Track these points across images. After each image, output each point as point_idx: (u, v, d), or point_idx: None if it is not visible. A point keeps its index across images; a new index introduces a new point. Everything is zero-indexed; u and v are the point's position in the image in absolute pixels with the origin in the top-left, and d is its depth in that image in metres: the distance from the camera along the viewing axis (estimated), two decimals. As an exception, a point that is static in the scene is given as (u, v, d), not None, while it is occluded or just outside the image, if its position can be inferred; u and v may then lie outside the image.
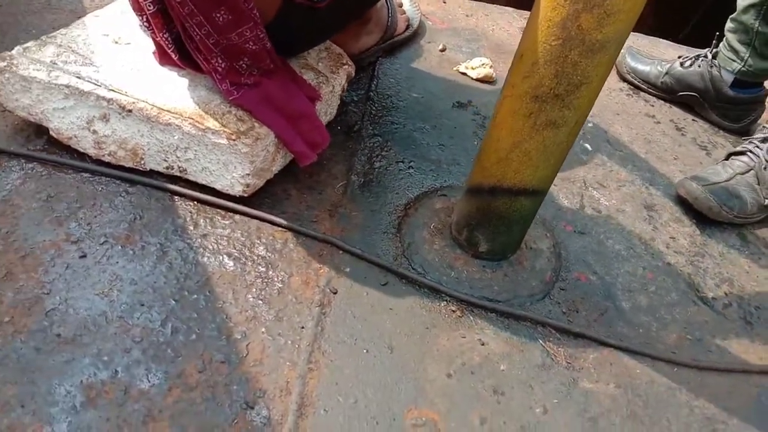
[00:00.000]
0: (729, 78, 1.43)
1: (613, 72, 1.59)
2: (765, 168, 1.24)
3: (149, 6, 0.95)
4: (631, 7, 0.70)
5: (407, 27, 1.49)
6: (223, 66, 0.97)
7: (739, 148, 1.30)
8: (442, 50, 1.52)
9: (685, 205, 1.23)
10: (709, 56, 1.45)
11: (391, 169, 1.19)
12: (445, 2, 1.72)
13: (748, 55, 1.39)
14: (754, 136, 1.30)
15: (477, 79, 1.45)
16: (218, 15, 0.91)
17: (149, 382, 0.81)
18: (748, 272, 1.15)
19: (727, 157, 1.31)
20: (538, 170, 0.88)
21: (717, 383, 0.96)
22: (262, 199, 1.05)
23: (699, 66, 1.46)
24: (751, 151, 1.27)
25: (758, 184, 1.24)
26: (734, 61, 1.41)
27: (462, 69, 1.47)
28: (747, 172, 1.25)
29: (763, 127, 1.31)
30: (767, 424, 0.92)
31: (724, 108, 1.47)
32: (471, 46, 1.57)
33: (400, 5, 1.52)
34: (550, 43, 0.74)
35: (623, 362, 0.96)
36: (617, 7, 0.69)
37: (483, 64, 1.46)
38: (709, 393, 0.95)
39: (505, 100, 0.85)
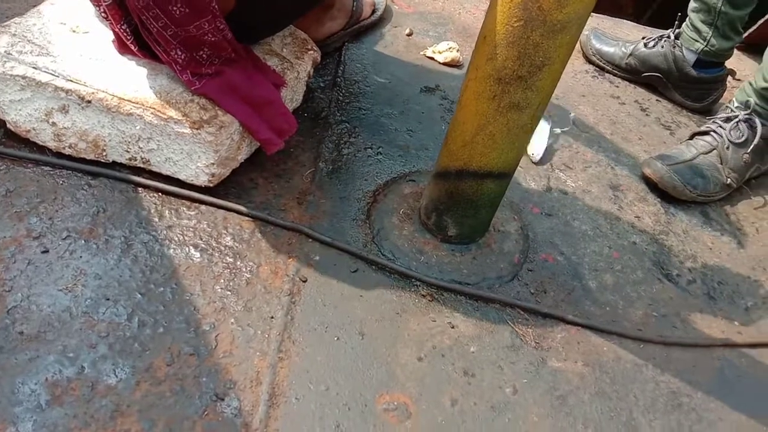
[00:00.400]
0: (692, 58, 1.45)
1: (579, 54, 1.60)
2: (728, 147, 1.27)
3: (100, 8, 0.93)
4: (589, -12, 0.70)
5: (373, 12, 1.48)
6: (183, 57, 0.95)
7: (703, 128, 1.32)
8: (409, 34, 1.52)
9: (650, 184, 1.25)
10: (672, 37, 1.47)
11: (359, 155, 1.18)
12: (410, -14, 1.71)
13: (710, 35, 1.40)
14: (718, 116, 1.32)
15: (444, 63, 1.45)
16: (175, 8, 0.89)
17: (116, 377, 0.79)
18: (711, 248, 1.17)
19: (692, 137, 1.33)
20: (503, 153, 0.88)
21: (682, 358, 0.98)
22: (228, 188, 1.04)
23: (662, 47, 1.48)
24: (714, 131, 1.29)
25: (721, 163, 1.26)
26: (697, 41, 1.43)
27: (429, 53, 1.47)
28: (710, 151, 1.28)
29: (726, 106, 1.33)
30: (729, 395, 0.95)
31: (686, 88, 1.49)
32: (438, 30, 1.57)
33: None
34: (512, 24, 0.74)
35: (591, 340, 0.97)
36: (576, -13, 0.69)
37: (450, 48, 1.46)
38: (674, 368, 0.97)
39: (469, 83, 0.85)
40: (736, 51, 1.72)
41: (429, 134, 1.26)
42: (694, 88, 1.49)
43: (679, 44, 1.46)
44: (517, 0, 0.72)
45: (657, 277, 1.10)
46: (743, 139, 1.26)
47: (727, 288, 1.11)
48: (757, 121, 1.26)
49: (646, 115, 1.46)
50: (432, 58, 1.46)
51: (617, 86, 1.53)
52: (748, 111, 1.27)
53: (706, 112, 1.51)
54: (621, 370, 0.95)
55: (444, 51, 1.45)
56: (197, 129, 0.96)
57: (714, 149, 1.28)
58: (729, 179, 1.26)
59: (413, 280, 0.99)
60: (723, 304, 1.08)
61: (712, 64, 1.46)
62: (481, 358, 0.92)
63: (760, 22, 1.64)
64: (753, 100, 1.26)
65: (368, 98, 1.31)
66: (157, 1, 0.88)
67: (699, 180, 1.24)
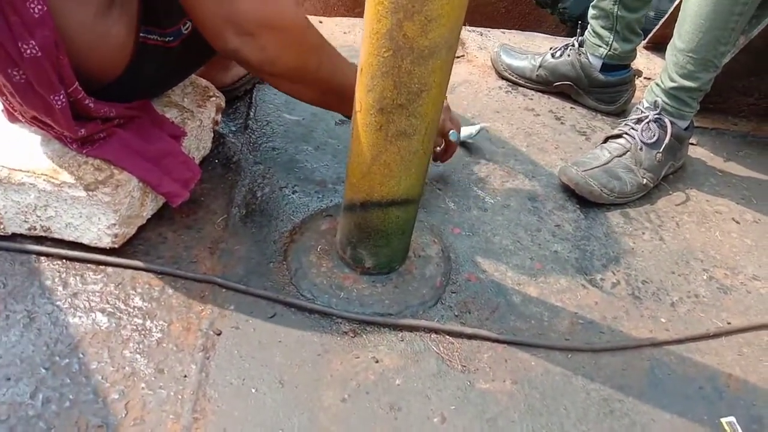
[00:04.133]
0: (597, 63, 1.48)
1: (492, 71, 1.62)
2: (641, 149, 1.29)
3: None
4: (451, 11, 0.71)
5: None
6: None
7: (615, 131, 1.35)
8: (322, 69, 1.52)
9: (568, 191, 1.26)
10: (576, 45, 1.50)
11: (274, 196, 1.16)
12: (321, 22, 1.72)
13: (612, 39, 1.44)
14: (629, 118, 1.35)
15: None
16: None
17: (16, 462, 0.75)
18: (633, 248, 1.18)
19: (605, 140, 1.36)
20: (401, 180, 0.88)
21: (611, 363, 0.98)
22: (135, 246, 1.01)
23: (569, 55, 1.51)
24: (627, 133, 1.32)
25: (635, 164, 1.28)
26: (600, 46, 1.46)
27: (343, 86, 1.47)
28: (624, 153, 1.30)
29: (636, 107, 1.36)
30: (661, 394, 0.94)
31: (597, 92, 1.52)
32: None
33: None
34: (383, 54, 0.74)
35: (518, 357, 0.96)
36: (437, 12, 0.70)
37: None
38: (603, 374, 0.96)
39: (356, 116, 0.84)
40: (644, 51, 1.78)
41: (345, 166, 1.25)
42: (604, 91, 1.52)
43: (584, 51, 1.49)
44: (383, 30, 0.73)
45: (581, 284, 1.10)
46: (655, 139, 1.29)
47: (651, 286, 1.12)
48: (667, 120, 1.29)
49: (561, 123, 1.49)
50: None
51: (531, 98, 1.55)
52: (657, 111, 1.30)
53: (622, 113, 1.54)
54: (550, 384, 0.94)
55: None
56: (92, 191, 0.93)
57: (627, 151, 1.30)
58: (645, 179, 1.28)
59: (334, 317, 0.97)
60: (648, 303, 1.09)
61: (617, 67, 1.49)
62: (407, 389, 0.90)
63: (661, 21, 1.69)
64: (661, 99, 1.29)
65: (282, 137, 1.30)
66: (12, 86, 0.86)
67: (615, 183, 1.25)
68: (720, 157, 1.47)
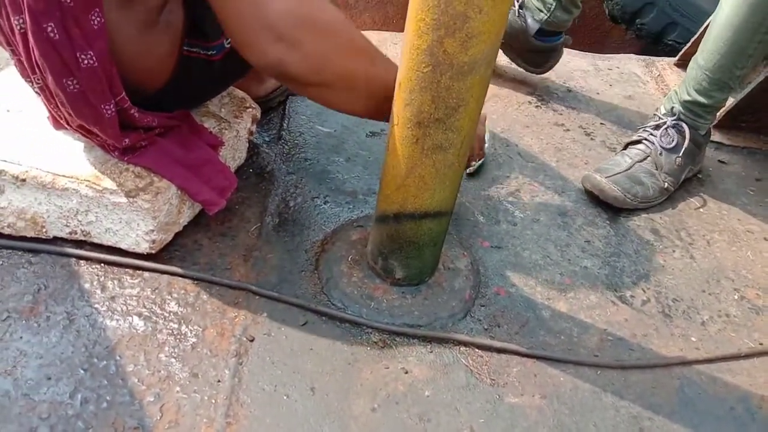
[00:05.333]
0: (534, 27, 1.51)
1: (522, 86, 1.63)
2: (661, 153, 1.31)
3: (34, 86, 0.94)
4: (491, 28, 0.72)
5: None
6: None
7: (634, 137, 1.37)
8: (353, 82, 1.54)
9: (593, 198, 1.27)
10: (517, 6, 1.52)
11: (306, 206, 1.18)
12: (353, 35, 1.75)
13: (554, 6, 1.47)
14: (648, 124, 1.37)
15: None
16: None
17: (56, 460, 0.77)
18: (664, 266, 1.18)
19: (625, 147, 1.39)
20: (435, 193, 0.89)
21: (640, 380, 0.98)
22: (172, 252, 1.04)
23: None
24: (646, 139, 1.35)
25: (656, 169, 1.30)
26: (541, 11, 1.49)
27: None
28: (644, 159, 1.32)
29: (654, 114, 1.38)
30: (691, 414, 0.94)
31: (528, 54, 1.56)
32: (382, 75, 1.59)
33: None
34: (422, 70, 0.76)
35: (547, 372, 0.97)
36: (477, 29, 0.71)
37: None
38: (633, 391, 0.96)
39: (393, 129, 0.86)
40: (674, 67, 1.78)
41: (376, 178, 1.27)
42: (534, 55, 1.56)
43: (523, 13, 1.51)
44: (423, 46, 0.74)
45: (611, 300, 1.09)
46: (674, 144, 1.31)
47: (682, 304, 1.11)
48: (685, 126, 1.31)
49: (591, 139, 1.49)
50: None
51: (561, 114, 1.55)
52: (675, 117, 1.33)
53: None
54: (579, 400, 0.94)
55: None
56: (133, 197, 0.96)
57: (648, 156, 1.32)
58: (666, 183, 1.30)
59: (365, 327, 0.99)
60: (679, 321, 1.08)
61: (551, 33, 1.53)
62: (436, 401, 0.91)
63: (693, 39, 1.69)
64: (677, 107, 1.33)
65: (314, 148, 1.32)
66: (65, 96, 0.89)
67: (638, 188, 1.27)
68: (752, 176, 1.46)
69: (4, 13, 0.85)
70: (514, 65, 1.61)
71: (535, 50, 1.55)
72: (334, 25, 0.83)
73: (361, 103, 0.92)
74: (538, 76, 1.64)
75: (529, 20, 1.51)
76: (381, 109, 0.91)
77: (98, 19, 0.81)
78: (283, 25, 0.79)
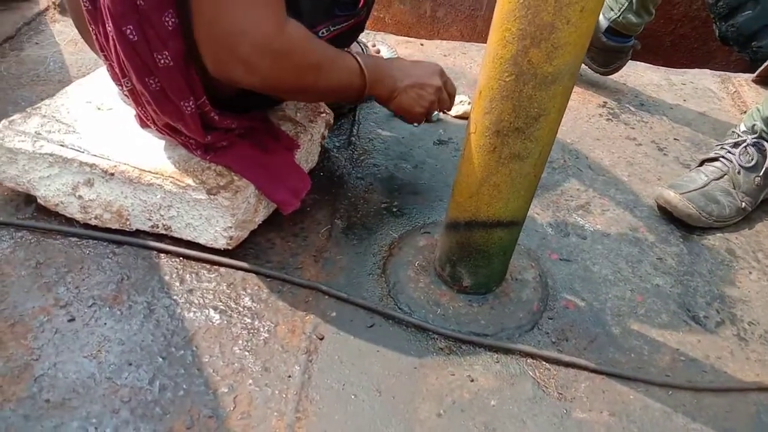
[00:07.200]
0: (604, 24, 1.49)
1: (592, 98, 1.61)
2: (739, 172, 1.27)
3: (123, 89, 0.99)
4: (577, 39, 0.72)
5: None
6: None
7: (711, 155, 1.33)
8: (422, 90, 1.55)
9: (666, 214, 1.24)
10: None
11: (374, 210, 1.20)
12: (422, 45, 1.77)
13: (625, 7, 1.45)
14: (725, 141, 1.33)
15: (456, 117, 1.48)
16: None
17: (137, 442, 0.81)
18: (740, 287, 1.14)
19: (701, 164, 1.34)
20: (509, 202, 0.89)
21: (714, 404, 0.95)
22: (246, 249, 1.07)
23: None
24: (723, 157, 1.30)
25: (734, 188, 1.26)
26: (612, 9, 1.47)
27: (442, 107, 1.50)
28: (721, 177, 1.28)
29: (732, 131, 1.33)
30: (768, 442, 0.90)
31: (595, 51, 1.54)
32: (450, 84, 1.60)
33: (378, 51, 1.56)
34: (504, 79, 0.77)
35: (616, 389, 0.95)
36: (564, 40, 0.71)
37: (461, 102, 1.49)
38: (706, 415, 0.93)
39: (470, 137, 0.86)
40: (752, 84, 1.72)
41: (443, 185, 1.28)
42: (600, 53, 1.54)
43: None
44: (507, 56, 0.75)
45: (683, 320, 1.07)
46: (753, 162, 1.27)
47: (758, 328, 1.07)
48: (766, 144, 1.27)
49: (664, 155, 1.45)
50: (444, 112, 1.49)
51: (633, 128, 1.53)
52: (756, 135, 1.28)
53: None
54: (649, 419, 0.91)
55: (456, 104, 1.48)
56: (214, 195, 0.99)
57: (725, 174, 1.28)
58: (743, 203, 1.26)
59: (430, 333, 0.99)
60: (755, 346, 1.04)
61: (621, 34, 1.50)
62: (502, 411, 0.90)
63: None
64: (759, 125, 1.28)
65: (383, 155, 1.34)
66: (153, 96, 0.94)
67: (714, 206, 1.23)
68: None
69: (101, 21, 0.90)
70: (583, 77, 1.59)
71: (602, 48, 1.54)
72: (292, 48, 0.88)
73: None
74: (611, 89, 1.62)
75: (600, 17, 1.50)
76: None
77: (172, 20, 0.86)
78: (246, 52, 0.83)
